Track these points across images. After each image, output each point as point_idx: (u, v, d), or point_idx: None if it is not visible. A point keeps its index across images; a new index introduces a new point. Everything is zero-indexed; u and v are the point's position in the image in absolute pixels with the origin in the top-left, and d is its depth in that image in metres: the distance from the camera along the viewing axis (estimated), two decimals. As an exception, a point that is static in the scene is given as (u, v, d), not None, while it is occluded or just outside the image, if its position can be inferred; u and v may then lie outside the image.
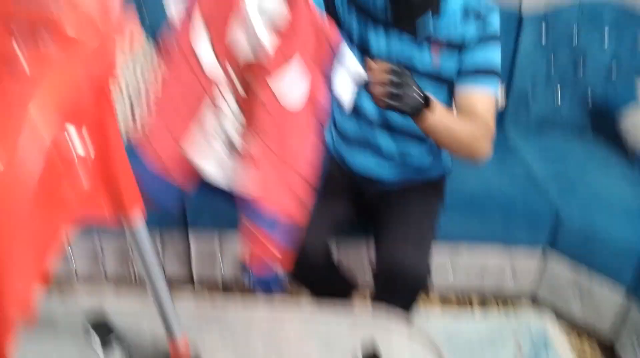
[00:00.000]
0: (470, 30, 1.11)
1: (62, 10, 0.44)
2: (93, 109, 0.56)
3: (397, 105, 0.94)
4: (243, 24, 0.71)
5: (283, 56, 0.72)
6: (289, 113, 0.74)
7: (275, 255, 0.76)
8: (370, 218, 1.34)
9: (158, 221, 1.51)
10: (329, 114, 1.20)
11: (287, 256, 0.77)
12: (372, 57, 1.00)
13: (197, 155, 0.77)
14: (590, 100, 1.90)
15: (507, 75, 1.87)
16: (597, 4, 1.80)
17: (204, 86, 0.74)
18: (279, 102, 0.73)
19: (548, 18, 1.81)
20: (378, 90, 0.94)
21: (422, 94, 0.97)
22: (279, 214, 0.75)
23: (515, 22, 1.82)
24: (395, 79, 0.93)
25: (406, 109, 0.95)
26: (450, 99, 1.17)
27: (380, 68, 0.94)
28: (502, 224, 1.54)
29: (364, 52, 1.15)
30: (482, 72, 1.12)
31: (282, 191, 0.76)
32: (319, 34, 0.74)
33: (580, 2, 1.81)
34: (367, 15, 1.14)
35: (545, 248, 1.56)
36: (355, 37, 1.16)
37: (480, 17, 1.10)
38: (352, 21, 1.16)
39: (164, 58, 0.76)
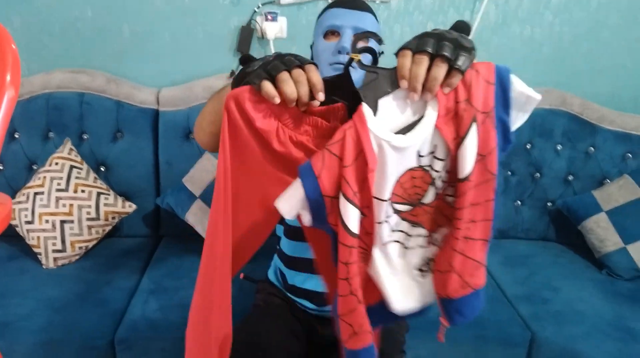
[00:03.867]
0: None
1: None
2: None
3: (467, 54, 0.74)
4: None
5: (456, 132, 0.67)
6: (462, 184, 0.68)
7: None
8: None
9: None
10: None
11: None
12: None
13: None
14: (550, 207, 1.89)
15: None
16: (547, 112, 1.84)
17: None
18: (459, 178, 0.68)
19: (500, 127, 1.83)
20: (438, 73, 0.75)
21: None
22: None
23: (468, 132, 1.82)
24: (430, 47, 0.70)
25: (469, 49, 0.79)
26: None
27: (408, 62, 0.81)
28: (475, 348, 1.42)
29: None
30: None
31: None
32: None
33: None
34: None
35: (522, 373, 1.44)
36: None
37: None
38: None
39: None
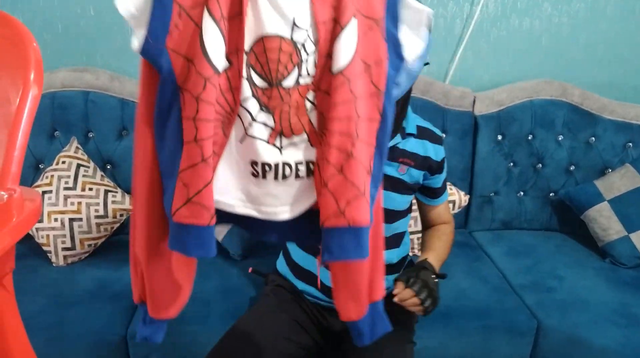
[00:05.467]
0: (430, 152, 1.20)
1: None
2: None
3: (435, 305, 1.08)
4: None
5: (335, 24, 0.62)
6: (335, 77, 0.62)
7: None
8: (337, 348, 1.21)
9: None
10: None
11: None
12: None
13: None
14: (552, 198, 1.91)
15: (469, 176, 1.86)
16: (548, 102, 1.86)
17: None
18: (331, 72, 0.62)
19: (501, 118, 1.85)
20: (418, 308, 1.07)
21: (433, 279, 1.11)
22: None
23: (470, 124, 1.84)
24: (423, 295, 1.06)
25: (437, 299, 1.09)
26: (407, 192, 1.22)
27: (409, 294, 1.06)
28: (482, 338, 1.44)
29: None
30: (444, 189, 1.30)
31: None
32: None
33: (531, 102, 1.86)
34: None
35: (529, 361, 1.46)
36: None
37: (434, 139, 1.21)
38: None
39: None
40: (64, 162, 1.59)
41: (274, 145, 0.65)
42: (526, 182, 1.90)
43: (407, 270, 1.15)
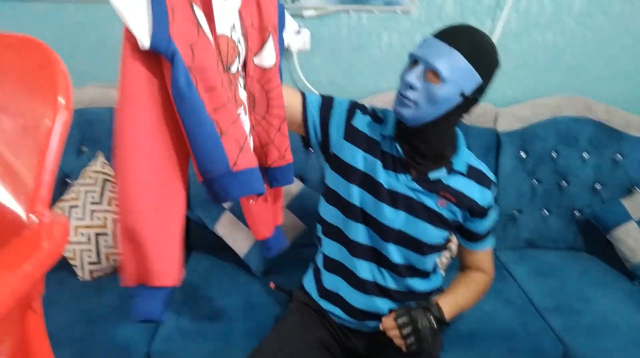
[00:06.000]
0: (475, 194, 1.14)
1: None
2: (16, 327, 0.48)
3: (420, 347, 1.07)
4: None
5: (261, 36, 0.92)
6: (268, 71, 0.95)
7: None
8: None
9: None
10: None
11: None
12: (380, 190, 1.11)
13: None
14: (578, 216, 1.87)
15: (491, 193, 1.85)
16: (572, 119, 1.83)
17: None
18: (262, 69, 0.94)
19: (525, 135, 1.82)
20: (399, 342, 1.08)
21: (431, 319, 1.08)
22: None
23: (493, 141, 1.82)
24: (406, 331, 1.07)
25: (429, 339, 1.07)
26: (442, 226, 1.15)
27: (390, 325, 1.08)
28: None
29: (372, 183, 1.12)
30: (485, 236, 1.22)
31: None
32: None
33: (554, 118, 1.83)
34: (378, 153, 1.13)
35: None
36: (361, 166, 1.13)
37: (483, 182, 1.15)
38: (357, 154, 1.14)
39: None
40: (90, 177, 1.63)
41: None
42: (550, 200, 1.87)
43: (407, 303, 1.15)
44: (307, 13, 1.79)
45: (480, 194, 1.13)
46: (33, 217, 0.66)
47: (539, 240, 1.89)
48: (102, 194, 1.60)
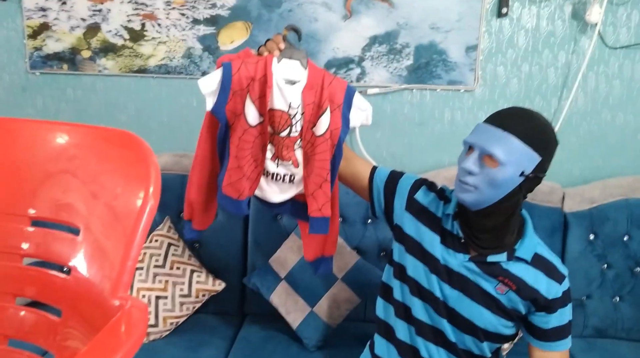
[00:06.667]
0: (540, 285, 1.09)
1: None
2: None
3: None
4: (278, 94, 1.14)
5: (318, 108, 1.15)
6: (318, 139, 1.16)
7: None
8: None
9: None
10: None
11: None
12: (436, 265, 1.12)
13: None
14: (654, 305, 1.74)
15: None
16: (645, 202, 1.75)
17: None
18: (315, 135, 1.16)
19: (594, 216, 1.75)
20: None
21: None
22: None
23: (560, 221, 1.76)
24: None
25: None
26: (500, 314, 1.11)
27: None
28: None
29: (429, 257, 1.14)
30: (555, 335, 1.13)
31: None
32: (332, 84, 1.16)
33: (626, 201, 1.75)
34: (437, 229, 1.15)
35: None
36: (420, 238, 1.17)
37: (551, 274, 1.10)
38: (416, 226, 1.17)
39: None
40: (156, 240, 1.70)
41: (274, 162, 1.20)
42: (623, 287, 1.76)
43: None
44: (372, 91, 1.85)
45: (546, 286, 1.08)
46: (116, 302, 0.70)
47: (610, 328, 1.77)
48: (165, 258, 1.66)
